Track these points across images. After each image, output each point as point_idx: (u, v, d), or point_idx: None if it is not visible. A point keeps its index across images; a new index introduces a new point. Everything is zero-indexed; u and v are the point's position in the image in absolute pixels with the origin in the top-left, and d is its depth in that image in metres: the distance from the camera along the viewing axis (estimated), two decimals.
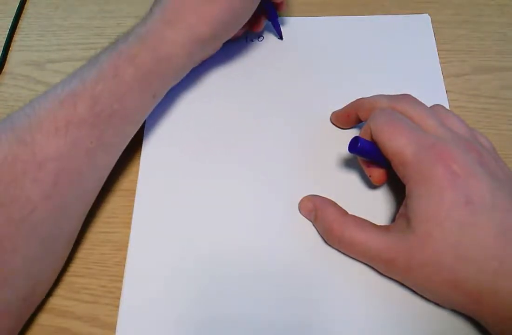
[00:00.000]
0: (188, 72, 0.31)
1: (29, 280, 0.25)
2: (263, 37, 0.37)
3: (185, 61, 0.30)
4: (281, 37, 0.37)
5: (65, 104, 0.25)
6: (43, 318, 0.27)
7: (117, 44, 0.28)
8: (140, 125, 0.30)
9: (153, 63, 0.27)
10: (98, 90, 0.26)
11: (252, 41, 0.37)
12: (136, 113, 0.29)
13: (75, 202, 0.27)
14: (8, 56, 0.38)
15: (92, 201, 0.28)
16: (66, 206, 0.26)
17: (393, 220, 0.28)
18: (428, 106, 0.28)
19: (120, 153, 0.29)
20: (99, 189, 0.28)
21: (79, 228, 0.28)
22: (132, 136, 0.29)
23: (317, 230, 0.29)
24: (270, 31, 0.37)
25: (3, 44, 0.39)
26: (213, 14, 0.29)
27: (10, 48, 0.39)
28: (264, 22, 0.36)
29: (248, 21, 0.32)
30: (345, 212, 0.28)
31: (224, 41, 0.32)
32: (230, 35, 0.32)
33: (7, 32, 0.39)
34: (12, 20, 0.40)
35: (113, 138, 0.27)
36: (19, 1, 0.41)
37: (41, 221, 0.24)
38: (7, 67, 0.38)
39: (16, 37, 0.40)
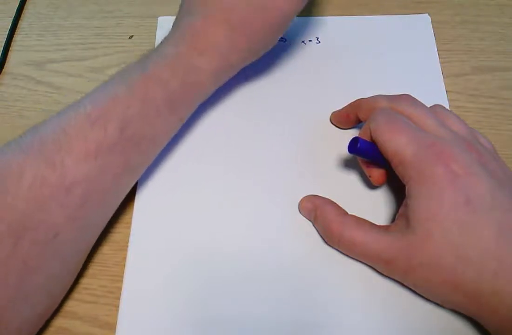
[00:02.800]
0: (212, 93, 0.31)
1: (48, 297, 0.25)
2: None
3: (212, 86, 0.30)
4: None
5: (95, 126, 0.24)
6: None
7: (147, 64, 0.27)
8: (162, 149, 0.29)
9: (182, 89, 0.27)
10: (129, 113, 0.25)
11: None
12: (163, 137, 0.28)
13: (97, 222, 0.27)
14: (8, 56, 0.38)
15: (109, 218, 0.28)
16: (89, 227, 0.26)
17: (393, 220, 0.28)
18: (428, 106, 0.28)
19: (141, 175, 0.29)
20: (116, 208, 0.28)
21: (94, 242, 0.28)
22: (153, 160, 0.29)
23: (317, 230, 0.29)
24: None
25: (3, 44, 0.39)
26: (244, 44, 0.29)
27: (10, 48, 0.39)
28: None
29: None
30: (345, 212, 0.28)
31: (250, 63, 0.31)
32: (257, 58, 0.31)
33: (7, 32, 0.39)
34: (12, 20, 0.40)
35: (139, 162, 0.27)
36: (19, 1, 0.41)
37: (65, 243, 0.24)
38: (7, 67, 0.38)
39: (16, 37, 0.40)
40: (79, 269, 0.28)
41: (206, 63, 0.28)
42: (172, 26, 0.30)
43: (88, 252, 0.28)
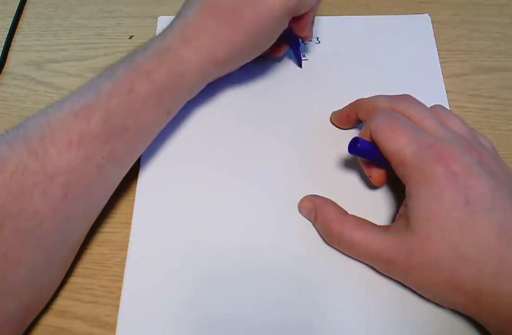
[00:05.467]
0: (202, 88, 0.31)
1: (33, 290, 0.25)
2: None
3: (199, 80, 0.30)
4: (300, 65, 0.36)
5: (79, 117, 0.25)
6: (43, 318, 0.27)
7: (134, 57, 0.27)
8: (151, 141, 0.29)
9: (168, 80, 0.27)
10: (113, 104, 0.25)
11: None
12: (149, 129, 0.28)
13: (82, 215, 0.26)
14: (8, 56, 0.38)
15: (98, 213, 0.28)
16: (73, 219, 0.26)
17: (393, 220, 0.28)
18: (428, 106, 0.28)
19: (129, 169, 0.29)
20: (105, 202, 0.28)
21: (83, 238, 0.28)
22: (142, 152, 0.29)
23: (317, 230, 0.29)
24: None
25: (3, 44, 0.39)
26: (232, 40, 0.28)
27: (10, 48, 0.39)
28: (285, 49, 0.35)
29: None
30: (345, 212, 0.28)
31: (240, 65, 0.31)
32: (247, 60, 0.31)
33: (7, 32, 0.39)
34: (12, 20, 0.40)
35: (124, 154, 0.27)
36: (19, 1, 0.41)
37: (48, 233, 0.24)
38: (7, 67, 0.38)
39: (16, 37, 0.40)
40: (68, 266, 0.28)
41: (192, 54, 0.28)
42: (171, 21, 0.30)
43: (76, 249, 0.28)
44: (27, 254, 0.23)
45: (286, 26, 0.30)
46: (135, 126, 0.27)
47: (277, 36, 0.30)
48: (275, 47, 0.33)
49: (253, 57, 0.31)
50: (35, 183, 0.23)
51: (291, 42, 0.34)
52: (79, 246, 0.28)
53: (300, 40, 0.35)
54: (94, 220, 0.28)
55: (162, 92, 0.27)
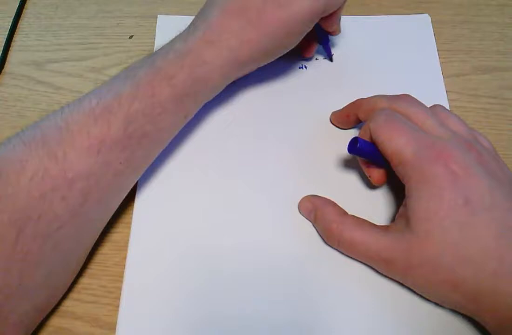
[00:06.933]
0: (221, 91, 0.31)
1: (47, 291, 0.25)
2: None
3: (220, 82, 0.29)
4: (331, 59, 0.36)
5: (99, 121, 0.24)
6: (44, 318, 0.27)
7: (155, 60, 0.27)
8: (166, 145, 0.29)
9: (190, 84, 0.27)
10: (133, 109, 0.25)
11: None
12: (167, 134, 0.28)
13: (98, 219, 0.26)
14: (8, 56, 0.38)
15: (110, 216, 0.28)
16: (90, 223, 0.26)
17: (393, 220, 0.28)
18: (428, 106, 0.28)
19: (143, 172, 0.29)
20: (118, 206, 0.28)
21: (95, 240, 0.28)
22: (157, 156, 0.29)
23: (317, 231, 0.29)
24: None
25: (3, 44, 0.39)
26: (256, 39, 0.28)
27: (10, 48, 0.39)
28: (316, 48, 0.35)
29: (300, 46, 0.32)
30: (345, 212, 0.28)
31: (262, 64, 0.31)
32: (270, 60, 0.31)
33: (7, 32, 0.39)
34: (12, 20, 0.40)
35: (141, 159, 0.27)
36: (19, 1, 0.41)
37: (66, 238, 0.24)
38: (7, 67, 0.38)
39: (16, 37, 0.40)
40: (80, 267, 0.28)
41: (214, 56, 0.28)
42: (191, 23, 0.30)
43: (89, 251, 0.28)
44: (46, 258, 0.23)
45: (311, 28, 0.30)
46: (154, 131, 0.26)
47: (302, 37, 0.30)
48: (306, 47, 0.33)
49: (275, 58, 0.31)
50: (54, 187, 0.23)
51: (320, 38, 0.34)
52: (91, 248, 0.28)
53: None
54: (106, 223, 0.28)
55: (183, 97, 0.27)
